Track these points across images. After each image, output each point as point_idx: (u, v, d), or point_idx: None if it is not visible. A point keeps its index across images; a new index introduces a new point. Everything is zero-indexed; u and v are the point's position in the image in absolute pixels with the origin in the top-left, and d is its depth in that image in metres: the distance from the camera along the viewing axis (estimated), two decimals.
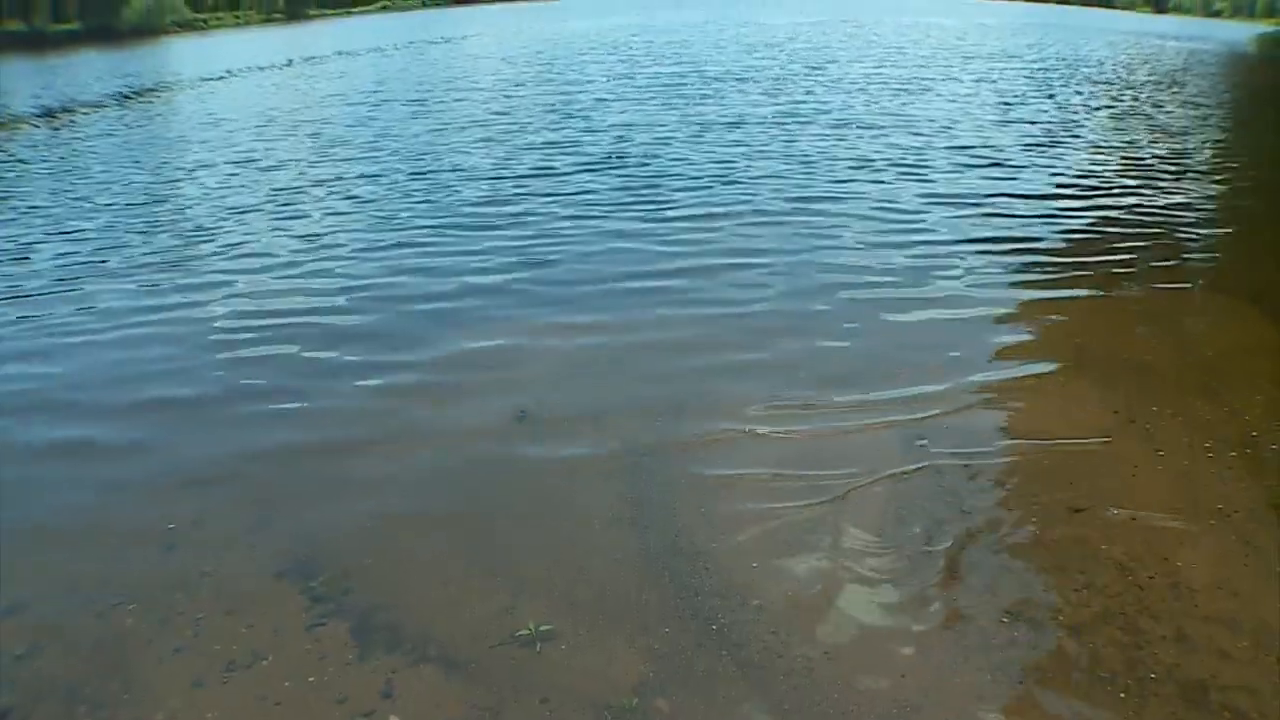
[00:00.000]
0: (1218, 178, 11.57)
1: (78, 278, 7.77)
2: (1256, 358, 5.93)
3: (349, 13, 78.33)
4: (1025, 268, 7.58)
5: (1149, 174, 11.35)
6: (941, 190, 9.97)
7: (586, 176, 10.68)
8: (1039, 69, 24.38)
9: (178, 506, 4.31)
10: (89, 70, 29.71)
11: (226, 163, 12.51)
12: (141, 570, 3.86)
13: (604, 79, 20.92)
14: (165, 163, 12.78)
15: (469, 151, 12.50)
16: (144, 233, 9.03)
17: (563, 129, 14.01)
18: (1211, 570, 3.72)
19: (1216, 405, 5.14)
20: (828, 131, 13.48)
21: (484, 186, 10.37)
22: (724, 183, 10.20)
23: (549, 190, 10.06)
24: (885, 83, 19.86)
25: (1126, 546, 3.85)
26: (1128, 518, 4.05)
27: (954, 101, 17.12)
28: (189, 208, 10.01)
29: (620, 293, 6.89)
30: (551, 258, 7.71)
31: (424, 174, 11.17)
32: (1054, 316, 6.60)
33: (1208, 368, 5.71)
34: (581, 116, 15.24)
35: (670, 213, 8.98)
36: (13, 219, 9.92)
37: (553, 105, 16.76)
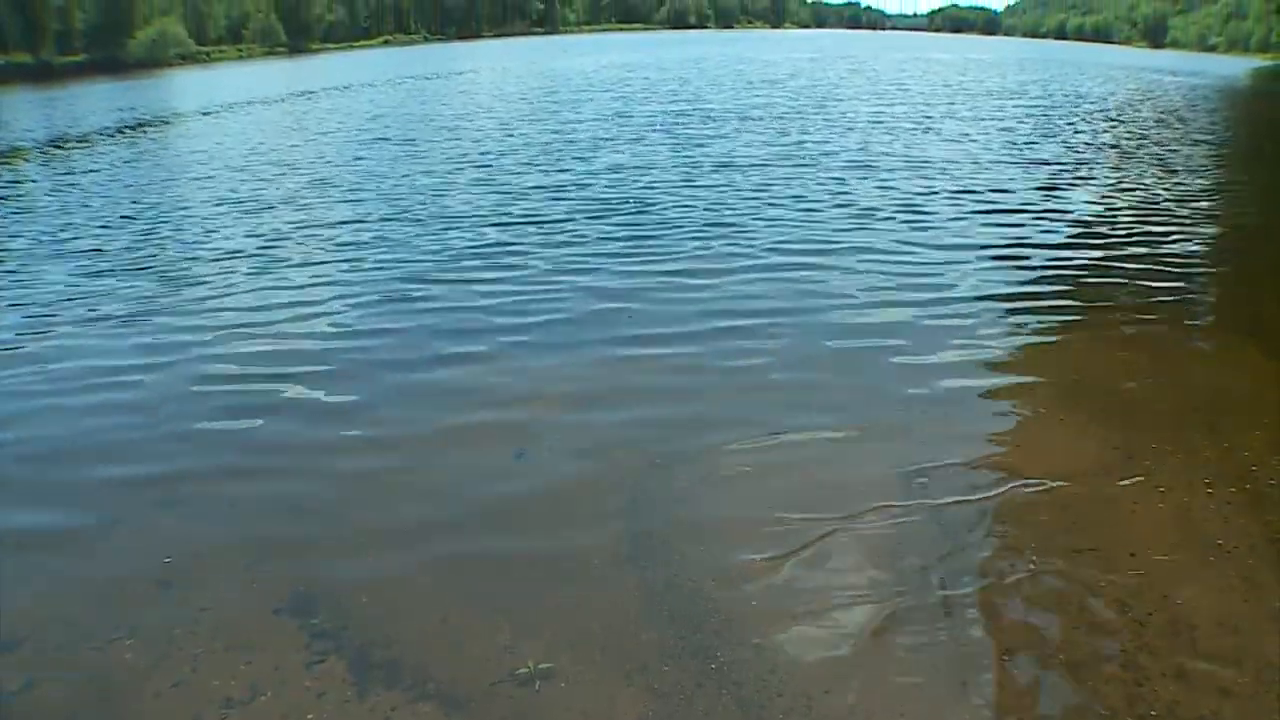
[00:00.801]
0: (1218, 214, 11.65)
1: (42, 330, 7.43)
2: (1256, 393, 5.94)
3: (351, 47, 79.32)
4: (1025, 307, 7.58)
5: (1150, 212, 11.38)
6: (943, 232, 9.94)
7: (581, 224, 10.41)
8: (1041, 107, 24.57)
9: (174, 545, 4.32)
10: (87, 103, 30.06)
11: (209, 205, 12.24)
12: (140, 606, 3.86)
13: (600, 118, 20.90)
14: (147, 204, 12.51)
15: (460, 196, 12.29)
16: (118, 281, 8.73)
17: (557, 173, 13.81)
18: (1212, 607, 3.71)
19: (1216, 441, 5.14)
20: (830, 175, 13.35)
21: (474, 234, 10.12)
22: (723, 229, 9.99)
23: (542, 238, 9.80)
24: (886, 122, 19.99)
25: (1126, 583, 3.85)
26: (1127, 554, 4.05)
27: (956, 141, 17.14)
28: (166, 254, 9.70)
29: (616, 344, 6.73)
30: (544, 309, 7.49)
31: (413, 220, 10.84)
32: (1054, 354, 6.62)
33: (1207, 404, 5.72)
34: (577, 159, 15.07)
35: (668, 263, 8.72)
36: None
37: (547, 146, 16.65)
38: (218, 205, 12.20)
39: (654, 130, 18.53)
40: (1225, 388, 6.06)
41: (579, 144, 16.79)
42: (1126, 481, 4.70)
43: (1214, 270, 9.11)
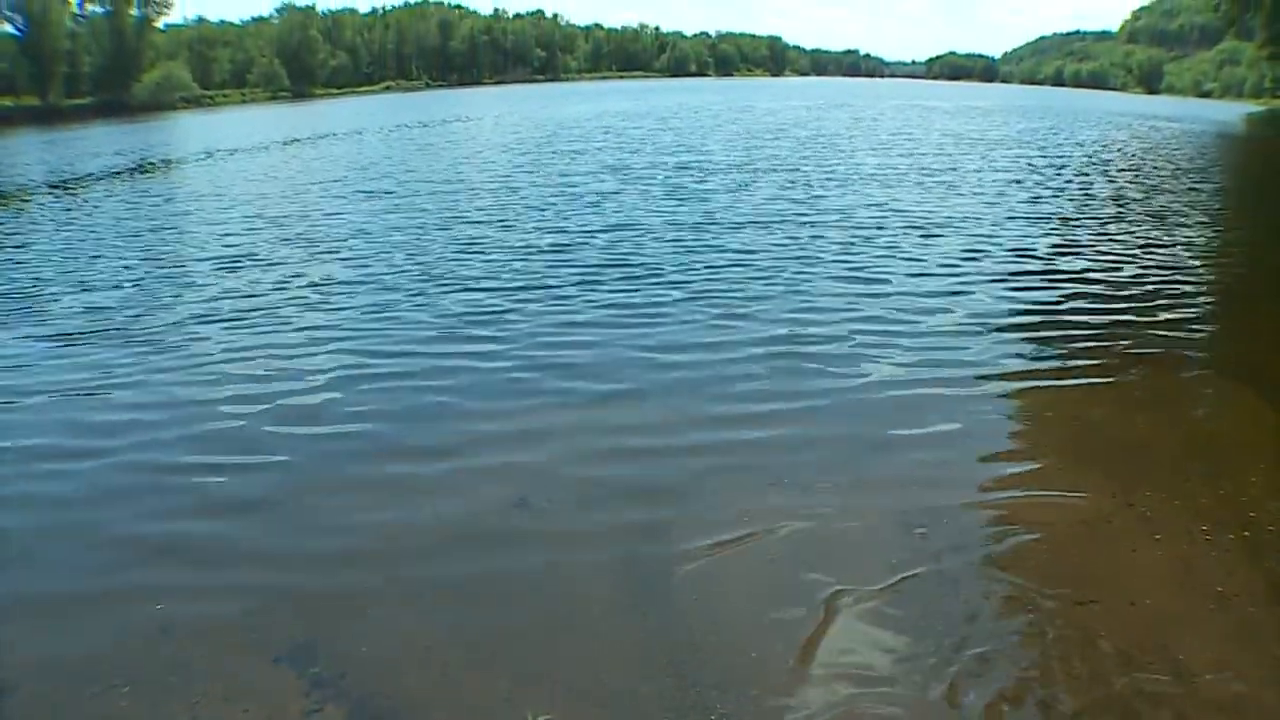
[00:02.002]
0: (1216, 260, 11.78)
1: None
2: (1253, 439, 5.95)
3: (354, 92, 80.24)
4: (1024, 353, 7.63)
5: (1152, 261, 11.43)
6: (944, 285, 9.92)
7: (575, 290, 9.77)
8: (1046, 158, 24.71)
9: (172, 587, 4.32)
10: (86, 145, 30.38)
11: (184, 260, 11.78)
12: (137, 652, 3.85)
13: (597, 172, 20.44)
14: (118, 259, 11.98)
15: (444, 256, 11.73)
16: (87, 343, 8.27)
17: (546, 233, 13.20)
18: (1212, 655, 3.70)
19: (1214, 487, 5.15)
20: (831, 236, 12.77)
21: (456, 300, 9.50)
22: (721, 297, 9.39)
23: (534, 302, 9.30)
24: (889, 175, 19.85)
25: (1126, 631, 3.83)
26: (1127, 603, 4.04)
27: (963, 195, 17.02)
28: (130, 317, 9.13)
29: (613, 402, 6.59)
30: (536, 377, 7.15)
31: (391, 286, 10.19)
32: (1053, 402, 6.63)
33: (1205, 450, 5.73)
34: (568, 217, 14.51)
35: (661, 334, 8.20)
36: None
37: (538, 203, 16.12)
38: (194, 261, 11.77)
39: (649, 185, 18.13)
40: (1224, 434, 6.08)
41: (572, 199, 16.36)
42: (1125, 529, 4.70)
43: (1212, 318, 9.16)
